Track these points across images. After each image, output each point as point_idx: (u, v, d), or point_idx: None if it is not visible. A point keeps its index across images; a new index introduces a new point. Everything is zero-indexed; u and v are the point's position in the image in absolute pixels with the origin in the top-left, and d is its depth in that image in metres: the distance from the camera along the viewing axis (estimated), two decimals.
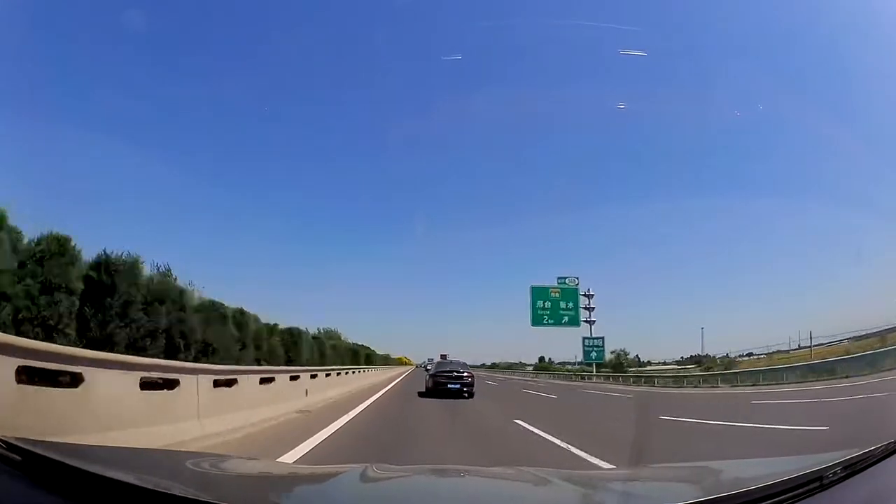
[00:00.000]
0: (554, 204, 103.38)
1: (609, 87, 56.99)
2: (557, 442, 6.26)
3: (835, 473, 1.17)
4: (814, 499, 1.11)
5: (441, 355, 36.31)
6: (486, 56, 73.65)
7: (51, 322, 5.90)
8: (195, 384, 5.29)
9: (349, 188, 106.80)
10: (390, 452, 5.43)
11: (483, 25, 41.41)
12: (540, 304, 40.16)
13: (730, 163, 74.23)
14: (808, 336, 33.16)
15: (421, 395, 15.33)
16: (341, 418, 8.09)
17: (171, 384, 4.85)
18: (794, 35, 53.70)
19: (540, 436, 6.92)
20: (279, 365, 11.17)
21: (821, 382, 18.83)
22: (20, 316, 5.63)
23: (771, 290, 79.21)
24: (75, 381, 3.55)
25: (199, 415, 5.26)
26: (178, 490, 0.99)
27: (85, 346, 5.70)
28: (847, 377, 18.70)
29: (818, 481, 1.14)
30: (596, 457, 5.13)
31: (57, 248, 6.17)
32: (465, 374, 15.02)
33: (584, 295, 41.36)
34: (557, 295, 40.58)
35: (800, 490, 1.11)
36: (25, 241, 6.08)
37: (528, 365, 76.80)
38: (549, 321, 40.10)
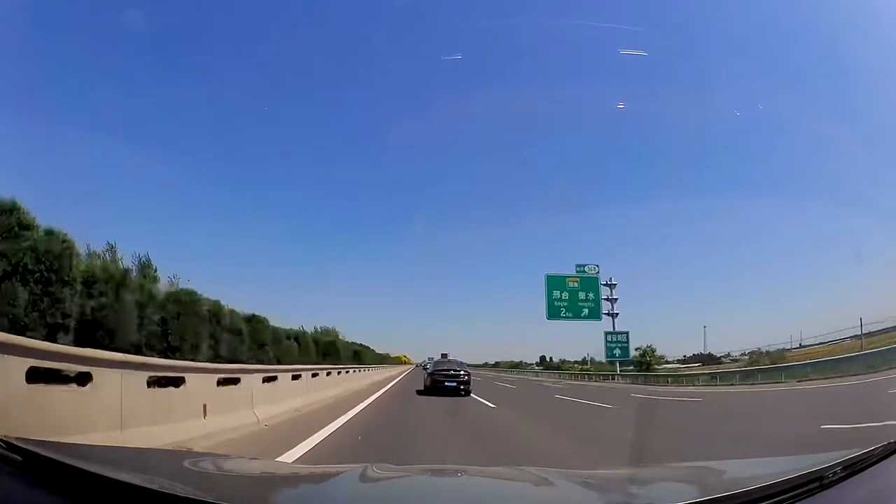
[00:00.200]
0: (554, 204, 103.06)
1: (609, 87, 56.79)
2: None
3: (834, 473, 1.17)
4: (813, 499, 1.11)
5: (441, 354, 35.55)
6: (486, 56, 73.57)
7: None
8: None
9: (349, 188, 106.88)
10: (391, 452, 5.42)
11: (483, 25, 41.24)
12: (556, 294, 35.14)
13: (730, 163, 73.29)
14: (859, 323, 27.77)
15: (420, 392, 15.32)
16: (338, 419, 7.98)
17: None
18: (794, 35, 53.16)
19: None
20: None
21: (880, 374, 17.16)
22: None
23: (771, 289, 78.00)
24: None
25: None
26: (178, 490, 0.99)
27: None
28: None
29: (818, 481, 1.14)
30: None
31: None
32: (462, 372, 15.65)
33: (606, 285, 36.58)
34: (576, 285, 35.63)
35: (799, 490, 1.10)
36: None
37: (529, 364, 76.49)
38: (567, 314, 35.19)
